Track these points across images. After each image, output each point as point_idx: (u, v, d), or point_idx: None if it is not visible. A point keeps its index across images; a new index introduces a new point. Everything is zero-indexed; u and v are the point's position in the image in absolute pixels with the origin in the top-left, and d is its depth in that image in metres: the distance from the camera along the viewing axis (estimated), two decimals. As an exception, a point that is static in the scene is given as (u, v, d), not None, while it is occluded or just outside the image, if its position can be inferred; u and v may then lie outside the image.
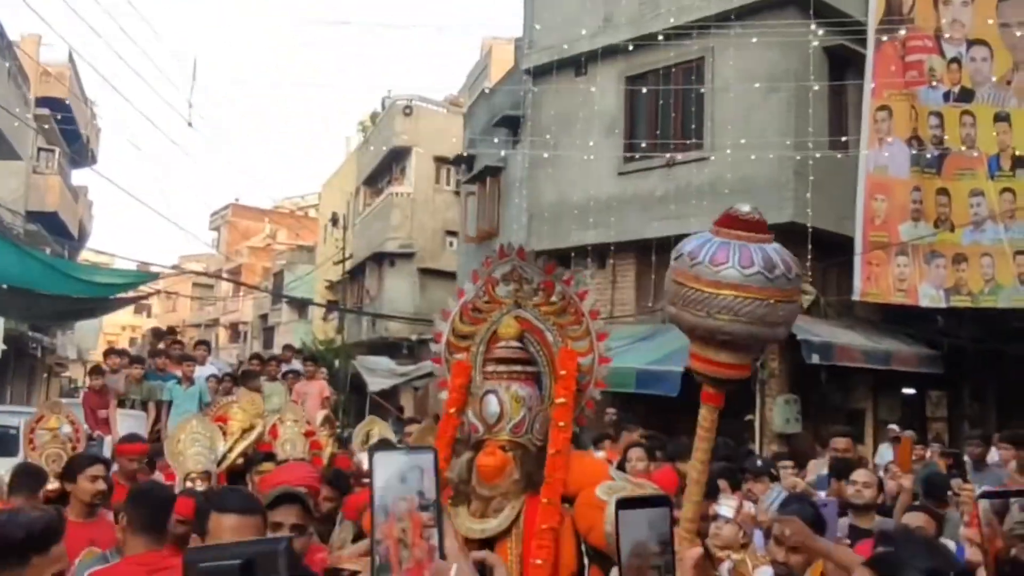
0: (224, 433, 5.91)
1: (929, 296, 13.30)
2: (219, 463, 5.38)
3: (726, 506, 4.33)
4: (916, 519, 4.39)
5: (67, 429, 5.95)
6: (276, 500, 3.55)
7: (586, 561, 2.98)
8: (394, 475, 1.47)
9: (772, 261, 2.30)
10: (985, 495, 1.56)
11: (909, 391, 15.13)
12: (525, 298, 3.37)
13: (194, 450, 5.15)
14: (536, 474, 3.07)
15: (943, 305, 13.37)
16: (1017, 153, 13.15)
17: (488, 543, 3.04)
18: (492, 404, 3.13)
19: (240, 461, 5.53)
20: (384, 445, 1.64)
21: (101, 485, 4.79)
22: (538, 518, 2.97)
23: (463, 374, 3.35)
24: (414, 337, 25.12)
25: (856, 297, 13.47)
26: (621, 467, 5.54)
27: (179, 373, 10.36)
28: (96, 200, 46.67)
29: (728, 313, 2.30)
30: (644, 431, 6.96)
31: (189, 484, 4.93)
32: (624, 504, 1.46)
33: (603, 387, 3.36)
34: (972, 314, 13.55)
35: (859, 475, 5.59)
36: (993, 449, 10.29)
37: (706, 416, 2.53)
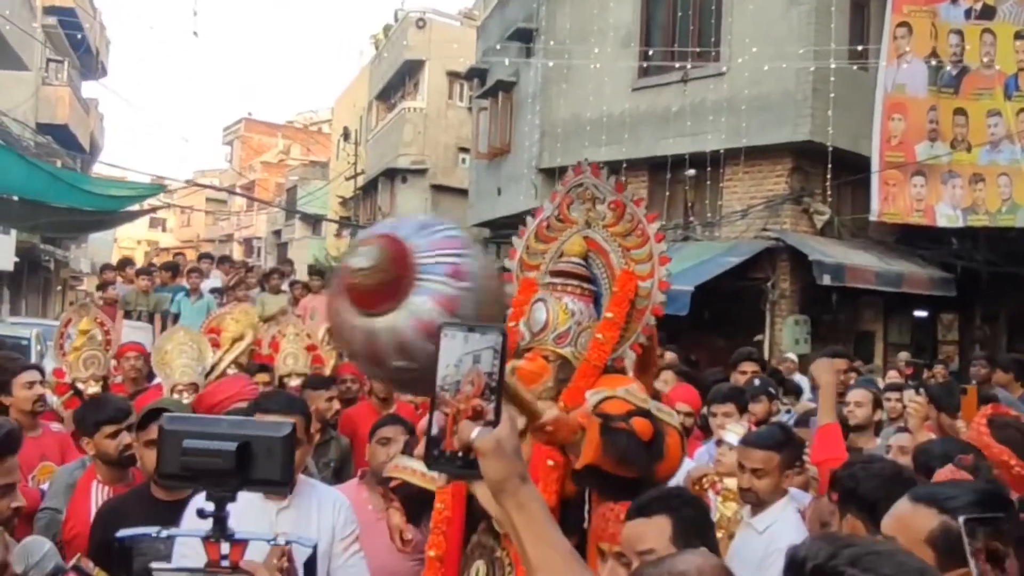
0: (217, 345, 5.87)
1: (946, 216, 13.14)
2: (208, 374, 5.34)
3: (732, 432, 4.19)
4: (900, 439, 4.35)
5: (98, 334, 5.78)
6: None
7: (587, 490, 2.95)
8: (468, 355, 1.42)
9: None
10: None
11: (921, 314, 15.04)
12: (596, 219, 3.35)
13: (181, 361, 5.08)
14: (568, 384, 3.07)
15: (960, 224, 13.23)
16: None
17: None
18: (539, 312, 3.15)
19: (231, 372, 5.49)
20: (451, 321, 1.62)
21: (38, 390, 4.60)
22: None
23: (529, 290, 3.35)
24: (426, 254, 25.04)
25: (874, 217, 13.30)
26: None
27: (186, 284, 10.36)
28: (107, 114, 46.37)
29: None
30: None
31: (176, 396, 4.87)
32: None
33: (660, 314, 3.26)
34: (986, 237, 13.40)
35: (853, 395, 5.49)
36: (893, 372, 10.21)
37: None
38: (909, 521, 1.83)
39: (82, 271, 33.87)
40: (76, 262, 32.50)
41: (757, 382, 5.81)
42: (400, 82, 29.50)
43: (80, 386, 5.22)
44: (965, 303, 14.68)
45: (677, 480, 3.65)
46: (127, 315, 9.76)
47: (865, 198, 13.39)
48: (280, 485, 1.46)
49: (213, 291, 10.77)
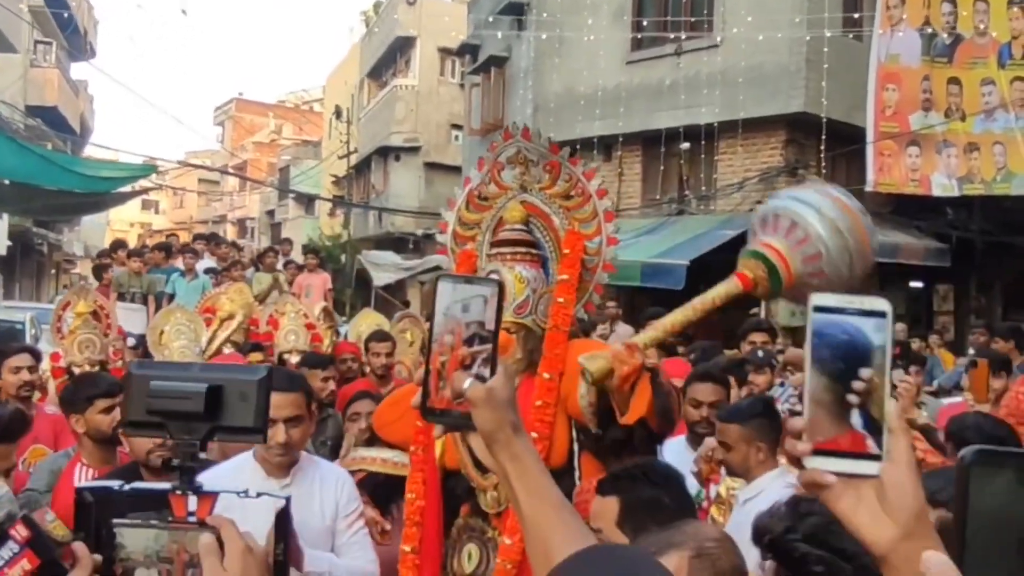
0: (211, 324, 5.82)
1: (941, 185, 13.11)
2: (202, 353, 5.30)
3: None
4: None
5: (95, 317, 5.70)
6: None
7: (576, 447, 2.95)
8: (456, 303, 1.38)
9: None
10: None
11: (916, 284, 15.03)
12: (531, 182, 3.24)
13: (179, 343, 5.04)
14: (537, 353, 3.03)
15: (955, 194, 13.20)
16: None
17: None
18: None
19: (227, 350, 5.45)
20: (449, 274, 1.60)
21: (25, 376, 4.55)
22: (534, 393, 2.92)
23: (468, 263, 3.26)
24: (420, 232, 24.99)
25: (869, 188, 13.24)
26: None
27: (181, 265, 10.32)
28: (97, 95, 46.07)
29: None
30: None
31: None
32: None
33: (612, 270, 3.23)
34: (982, 207, 13.38)
35: None
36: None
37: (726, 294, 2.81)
38: None
39: (75, 254, 33.72)
40: (69, 245, 32.33)
41: (760, 353, 5.72)
42: (391, 59, 29.32)
43: (76, 370, 5.17)
44: (960, 273, 14.68)
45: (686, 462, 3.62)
46: (120, 297, 9.71)
47: (860, 169, 13.35)
48: (254, 433, 1.41)
49: (208, 271, 10.72)
